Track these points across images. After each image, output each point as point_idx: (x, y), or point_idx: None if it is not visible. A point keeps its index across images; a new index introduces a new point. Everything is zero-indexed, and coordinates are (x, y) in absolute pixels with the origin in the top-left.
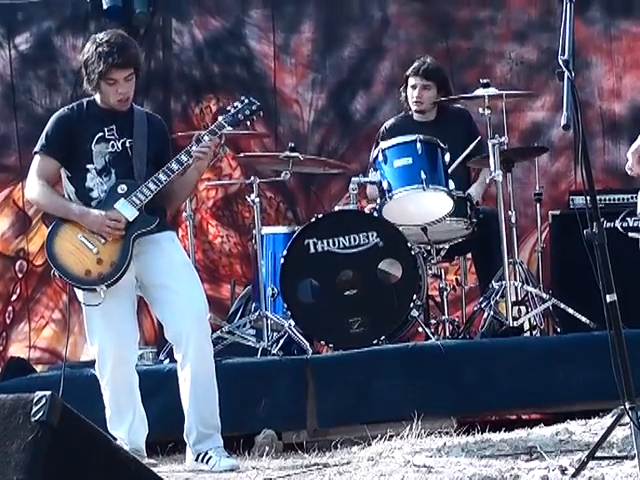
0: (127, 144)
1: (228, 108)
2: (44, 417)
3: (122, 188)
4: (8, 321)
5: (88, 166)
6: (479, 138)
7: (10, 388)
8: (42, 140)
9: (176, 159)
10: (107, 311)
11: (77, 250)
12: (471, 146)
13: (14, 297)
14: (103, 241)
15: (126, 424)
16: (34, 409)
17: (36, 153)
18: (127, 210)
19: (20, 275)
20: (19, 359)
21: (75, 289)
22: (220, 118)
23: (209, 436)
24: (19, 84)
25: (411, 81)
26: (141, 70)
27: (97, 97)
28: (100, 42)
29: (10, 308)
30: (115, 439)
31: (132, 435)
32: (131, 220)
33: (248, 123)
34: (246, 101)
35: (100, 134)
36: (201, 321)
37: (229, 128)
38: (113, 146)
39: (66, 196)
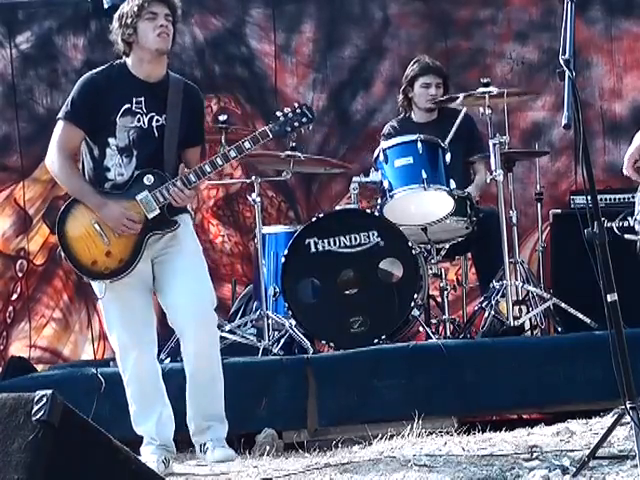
0: (154, 122)
1: (278, 113)
2: (45, 416)
3: (149, 179)
4: (9, 320)
5: (110, 140)
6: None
7: (11, 387)
8: (67, 106)
9: (210, 161)
10: (124, 302)
11: (88, 236)
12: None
13: (14, 296)
14: (117, 234)
15: (154, 418)
16: (35, 408)
17: (59, 119)
18: (148, 206)
19: (20, 274)
20: (20, 358)
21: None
22: (267, 127)
23: (208, 427)
24: (20, 83)
25: (423, 80)
26: (177, 23)
27: (129, 61)
28: None
29: (10, 307)
30: (141, 439)
31: (160, 429)
32: (150, 217)
33: (294, 136)
34: (298, 111)
35: (127, 105)
36: (203, 315)
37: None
38: (139, 121)
39: (81, 169)
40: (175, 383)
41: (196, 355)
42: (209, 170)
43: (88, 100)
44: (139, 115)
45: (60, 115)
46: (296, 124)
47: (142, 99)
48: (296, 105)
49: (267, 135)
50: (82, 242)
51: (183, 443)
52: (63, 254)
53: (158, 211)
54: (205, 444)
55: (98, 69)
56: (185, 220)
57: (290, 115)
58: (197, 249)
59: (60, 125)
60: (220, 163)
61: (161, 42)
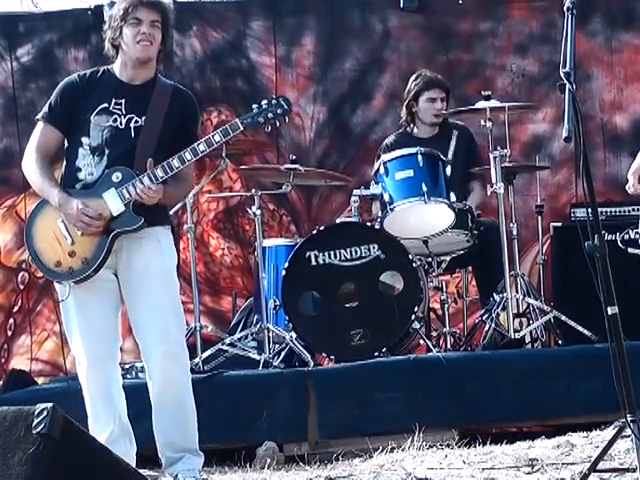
0: (132, 124)
1: (254, 106)
2: (45, 429)
3: (117, 176)
4: (10, 333)
5: (83, 139)
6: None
7: (11, 400)
8: (45, 107)
9: (179, 156)
10: (84, 311)
11: (53, 237)
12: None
13: (15, 309)
14: (80, 232)
15: (104, 435)
16: (35, 421)
17: (38, 120)
18: (114, 203)
19: (22, 287)
20: (20, 371)
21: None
22: (238, 118)
23: (179, 459)
24: (21, 96)
25: (429, 94)
26: (169, 29)
27: (117, 65)
28: None
29: (11, 320)
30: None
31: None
32: (115, 215)
33: (268, 128)
34: (274, 102)
35: (105, 105)
36: (166, 339)
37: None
38: (115, 121)
39: (61, 173)
40: None
41: (163, 386)
42: (177, 165)
43: (65, 101)
44: (116, 116)
45: (38, 115)
46: (270, 115)
47: (122, 101)
48: (273, 97)
49: (238, 127)
50: (48, 242)
51: None
52: (29, 255)
53: (123, 208)
54: (177, 476)
55: (84, 71)
56: (158, 235)
57: (264, 106)
58: (167, 269)
59: (39, 126)
60: (189, 157)
61: (141, 50)
